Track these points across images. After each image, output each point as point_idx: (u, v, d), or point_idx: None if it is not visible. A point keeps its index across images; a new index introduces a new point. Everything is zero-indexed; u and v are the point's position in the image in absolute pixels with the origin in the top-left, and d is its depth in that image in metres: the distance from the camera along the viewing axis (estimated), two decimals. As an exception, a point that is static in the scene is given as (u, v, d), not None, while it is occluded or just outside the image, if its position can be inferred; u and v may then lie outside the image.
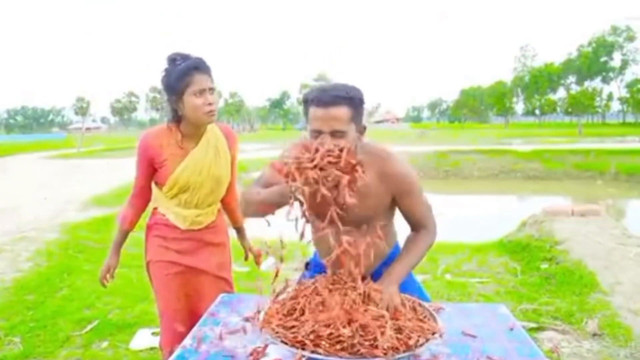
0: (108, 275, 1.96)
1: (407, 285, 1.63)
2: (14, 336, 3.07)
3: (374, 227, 1.47)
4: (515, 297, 3.59)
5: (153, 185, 1.91)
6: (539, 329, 3.05)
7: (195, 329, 1.50)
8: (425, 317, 1.32)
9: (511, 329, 1.48)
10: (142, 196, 1.92)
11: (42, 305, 3.59)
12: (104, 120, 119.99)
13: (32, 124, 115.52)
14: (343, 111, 1.33)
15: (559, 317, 3.18)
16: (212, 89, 1.76)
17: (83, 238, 5.51)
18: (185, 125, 1.82)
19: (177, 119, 1.81)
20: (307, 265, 1.78)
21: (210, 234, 1.95)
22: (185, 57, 1.76)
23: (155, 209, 1.93)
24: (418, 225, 1.57)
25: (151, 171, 1.86)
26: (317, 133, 1.34)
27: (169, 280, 1.88)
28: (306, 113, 1.40)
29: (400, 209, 1.56)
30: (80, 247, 5.18)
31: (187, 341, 1.41)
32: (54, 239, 5.53)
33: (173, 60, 1.76)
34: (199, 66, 1.74)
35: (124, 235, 1.96)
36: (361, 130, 1.42)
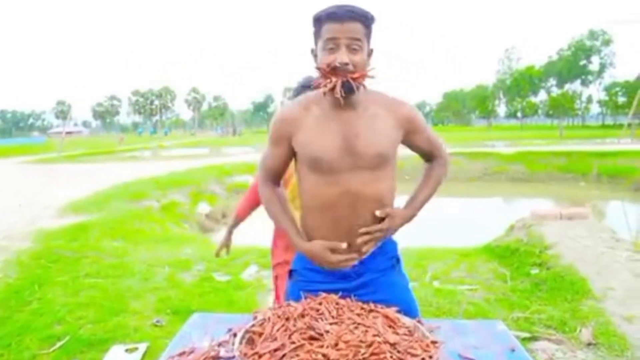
0: (223, 252, 2.30)
1: (399, 293, 1.50)
2: (-25, 356, 2.86)
3: (384, 175, 1.45)
4: (506, 305, 3.49)
5: None
6: (532, 338, 2.94)
7: (164, 354, 1.35)
8: (422, 340, 1.18)
9: (512, 350, 1.36)
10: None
11: (9, 320, 3.38)
12: (85, 124, 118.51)
13: (12, 128, 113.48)
14: (358, 26, 1.35)
15: (552, 326, 3.08)
16: None
17: (57, 247, 5.27)
18: None
19: None
20: (290, 273, 1.59)
21: None
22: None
23: None
24: (432, 153, 1.62)
25: None
26: (333, 45, 1.34)
27: None
28: (317, 34, 1.39)
29: (413, 144, 1.56)
30: (54, 256, 4.94)
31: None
32: (26, 247, 5.29)
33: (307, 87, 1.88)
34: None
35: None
36: (369, 52, 1.42)
